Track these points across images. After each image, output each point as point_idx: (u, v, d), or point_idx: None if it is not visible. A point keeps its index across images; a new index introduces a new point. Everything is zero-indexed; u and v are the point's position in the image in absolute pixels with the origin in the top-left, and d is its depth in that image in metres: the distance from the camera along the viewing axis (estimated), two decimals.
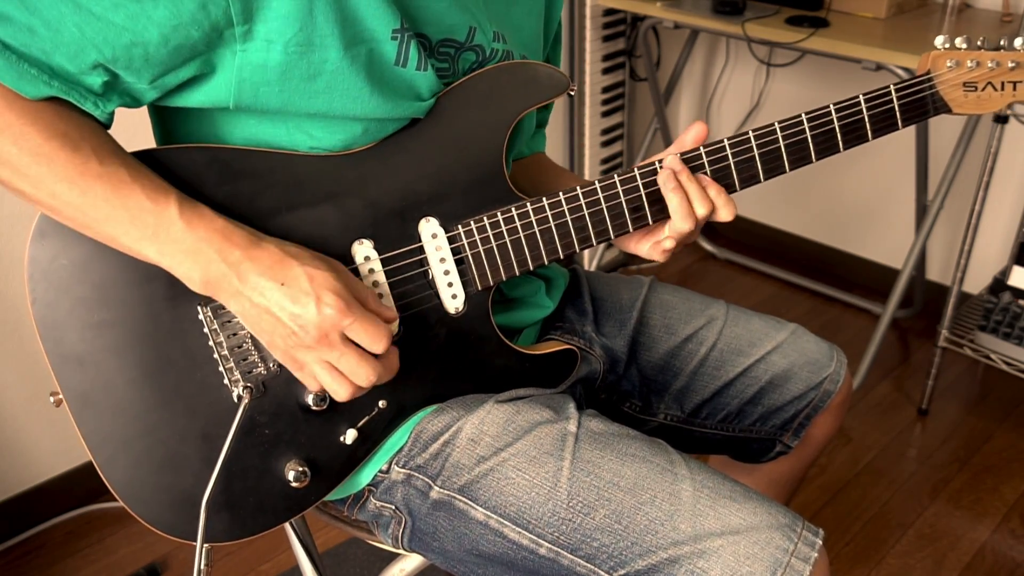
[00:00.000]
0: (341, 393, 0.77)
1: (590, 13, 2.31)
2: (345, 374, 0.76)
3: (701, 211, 0.86)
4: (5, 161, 0.71)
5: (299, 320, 0.74)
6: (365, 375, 0.76)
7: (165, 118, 0.84)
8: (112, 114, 0.75)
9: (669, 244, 0.88)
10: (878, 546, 1.73)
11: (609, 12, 2.36)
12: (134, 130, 1.03)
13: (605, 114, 2.50)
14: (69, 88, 0.71)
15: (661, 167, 0.87)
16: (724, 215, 0.87)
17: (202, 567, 0.80)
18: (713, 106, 2.72)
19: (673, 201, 0.86)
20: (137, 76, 0.72)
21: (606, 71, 2.44)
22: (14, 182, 0.72)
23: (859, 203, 2.53)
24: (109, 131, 0.77)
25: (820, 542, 0.79)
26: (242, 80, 0.74)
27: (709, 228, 2.86)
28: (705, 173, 0.87)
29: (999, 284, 1.95)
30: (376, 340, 0.76)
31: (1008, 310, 1.89)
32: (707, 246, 2.77)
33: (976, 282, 2.25)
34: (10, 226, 1.58)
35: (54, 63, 0.70)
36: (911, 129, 2.18)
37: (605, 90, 2.46)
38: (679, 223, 0.86)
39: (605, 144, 2.53)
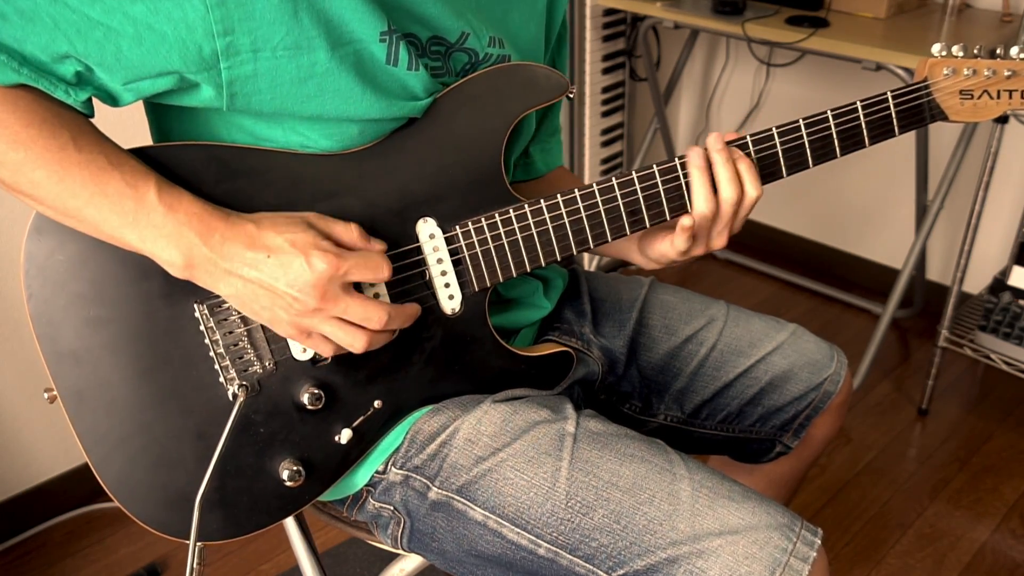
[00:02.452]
0: (358, 344, 0.77)
1: (590, 13, 2.31)
2: (357, 322, 0.76)
3: (728, 193, 0.85)
4: None
5: (296, 285, 0.74)
6: (377, 316, 0.76)
7: (161, 116, 0.84)
8: (88, 102, 0.75)
9: (681, 242, 0.87)
10: (878, 546, 1.73)
11: (609, 12, 2.36)
12: (134, 130, 1.03)
13: (605, 114, 2.50)
14: (39, 76, 0.70)
15: (658, 168, 0.87)
16: (752, 192, 0.86)
17: (195, 566, 0.80)
18: (713, 106, 2.72)
19: (696, 179, 0.85)
20: (110, 74, 0.72)
21: (606, 71, 2.44)
22: None
23: (859, 203, 2.52)
24: (92, 120, 0.76)
25: (819, 542, 0.79)
26: (233, 94, 0.74)
27: None
28: None
29: (999, 284, 1.95)
30: (377, 269, 0.77)
31: (1008, 310, 1.89)
32: None
33: (976, 282, 2.25)
34: (10, 226, 1.58)
35: (25, 51, 0.69)
36: None
37: (605, 90, 2.46)
38: (700, 204, 0.85)
39: (605, 144, 2.53)
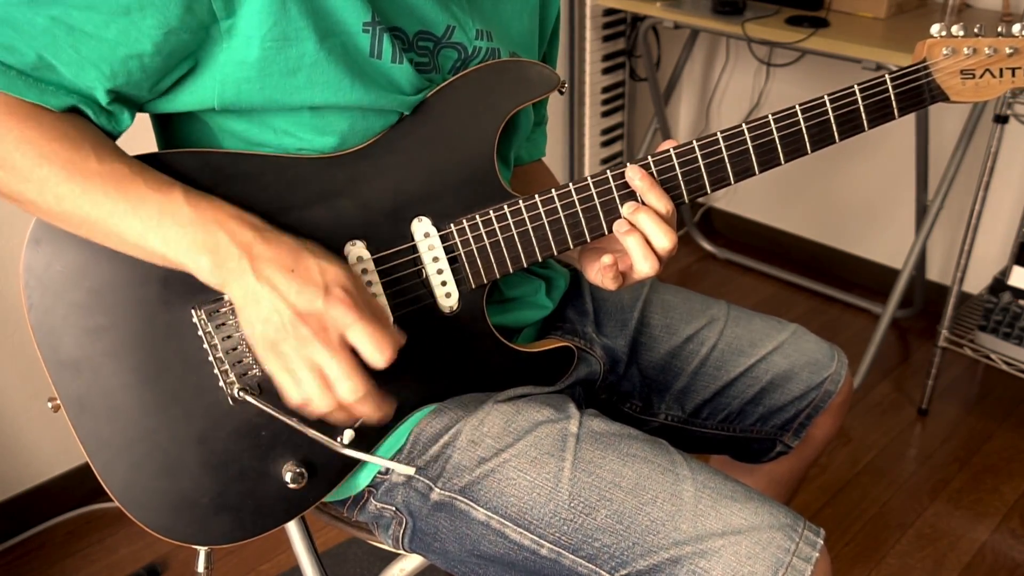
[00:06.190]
0: (320, 404, 0.71)
1: (590, 13, 2.31)
2: (331, 381, 0.71)
3: (664, 244, 0.84)
4: (10, 167, 0.71)
5: (300, 307, 0.70)
6: (352, 388, 0.71)
7: (164, 125, 0.85)
8: (119, 120, 0.76)
9: (607, 259, 0.85)
10: (878, 546, 1.73)
11: (609, 12, 2.36)
12: (129, 133, 1.03)
13: (605, 114, 2.50)
14: (87, 100, 0.73)
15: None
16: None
17: (202, 571, 0.80)
18: (713, 106, 2.72)
19: (629, 242, 0.84)
20: (138, 88, 0.74)
21: (606, 71, 2.44)
22: (18, 187, 0.72)
23: (859, 203, 2.53)
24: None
25: (821, 542, 0.79)
26: (224, 78, 0.74)
27: (709, 228, 2.86)
28: (697, 167, 0.86)
29: (999, 284, 1.95)
30: (380, 347, 0.71)
31: (1008, 310, 1.89)
32: (707, 246, 2.77)
33: (976, 282, 2.25)
34: (10, 226, 1.58)
35: (65, 82, 0.71)
36: (911, 128, 2.18)
37: (605, 90, 2.46)
38: (640, 265, 0.84)
39: (605, 144, 2.53)
